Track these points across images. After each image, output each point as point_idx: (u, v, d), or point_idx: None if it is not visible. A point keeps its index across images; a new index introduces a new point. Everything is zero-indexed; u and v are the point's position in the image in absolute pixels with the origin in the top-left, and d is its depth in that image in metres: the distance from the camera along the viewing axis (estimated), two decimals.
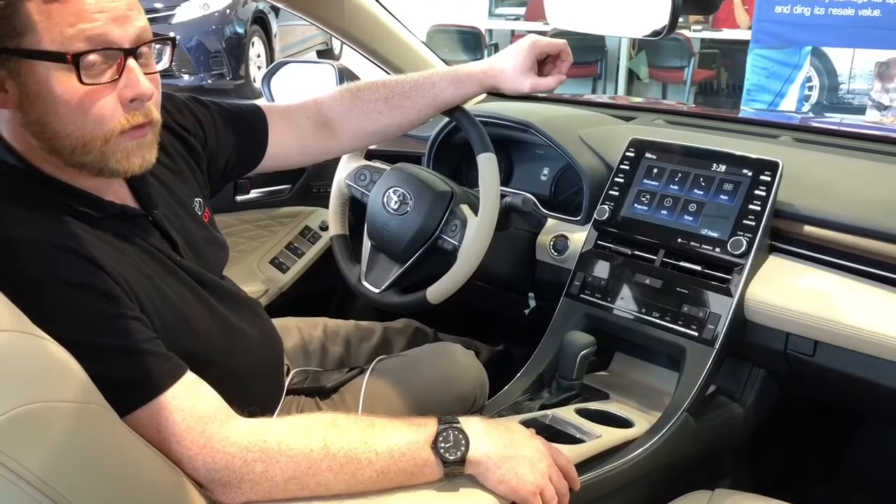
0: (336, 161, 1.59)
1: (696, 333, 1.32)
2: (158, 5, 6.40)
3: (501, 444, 0.93)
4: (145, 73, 0.90)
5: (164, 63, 0.97)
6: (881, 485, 1.68)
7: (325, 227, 2.06)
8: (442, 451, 0.91)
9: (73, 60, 0.84)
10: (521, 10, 8.38)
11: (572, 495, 0.99)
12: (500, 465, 0.92)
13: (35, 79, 0.85)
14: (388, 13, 1.91)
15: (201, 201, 1.15)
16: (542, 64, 1.34)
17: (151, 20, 0.91)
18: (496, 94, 1.37)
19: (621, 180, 1.49)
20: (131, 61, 0.88)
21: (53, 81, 0.85)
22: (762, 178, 1.34)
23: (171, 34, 1.00)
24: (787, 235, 1.35)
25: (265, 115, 1.28)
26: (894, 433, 1.68)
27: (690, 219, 1.39)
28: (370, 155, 1.62)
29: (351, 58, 2.11)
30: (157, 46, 0.96)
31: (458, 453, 0.91)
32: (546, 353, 1.45)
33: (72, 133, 0.87)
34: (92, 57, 0.85)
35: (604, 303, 1.44)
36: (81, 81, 0.85)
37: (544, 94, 2.00)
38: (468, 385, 1.37)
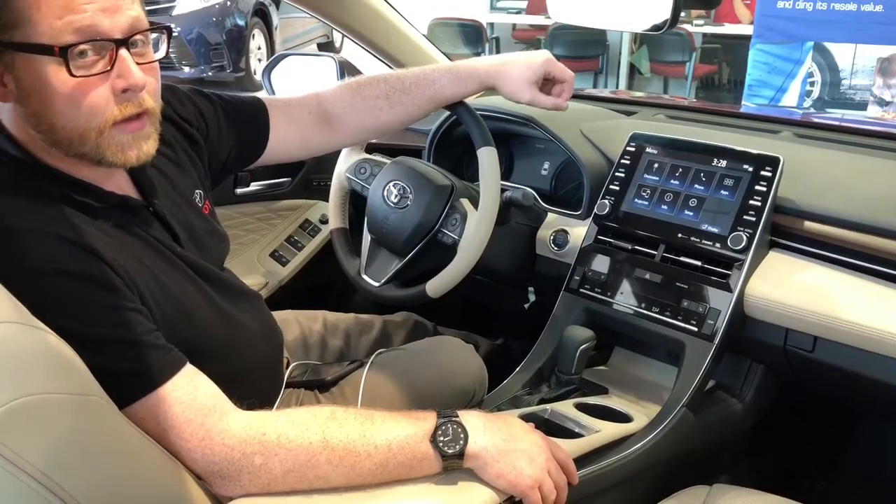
0: (336, 154, 1.59)
1: (695, 328, 1.32)
2: None
3: (500, 437, 0.94)
4: (142, 63, 0.90)
5: (162, 52, 0.97)
6: (880, 481, 1.68)
7: (325, 221, 2.06)
8: (441, 444, 0.91)
9: (62, 53, 0.83)
10: (523, 4, 8.35)
11: (571, 490, 0.99)
12: (498, 459, 0.92)
13: (30, 72, 0.85)
14: (389, 6, 1.90)
15: (202, 193, 1.15)
16: (546, 84, 1.33)
17: (152, 12, 0.91)
18: None
19: (622, 175, 1.49)
20: (123, 52, 0.87)
21: (47, 74, 0.84)
22: (763, 173, 1.34)
23: (168, 24, 0.99)
24: (788, 231, 1.35)
25: (266, 109, 1.28)
26: (894, 430, 1.68)
27: (691, 214, 1.39)
28: (370, 148, 1.62)
29: (352, 51, 2.11)
30: (155, 35, 0.95)
31: (457, 447, 0.91)
32: (545, 347, 1.45)
33: (67, 125, 0.87)
34: (81, 48, 0.84)
35: (604, 297, 1.44)
36: (71, 74, 0.84)
37: None
38: (467, 379, 1.37)
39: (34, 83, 0.85)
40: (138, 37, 0.89)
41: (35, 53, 0.84)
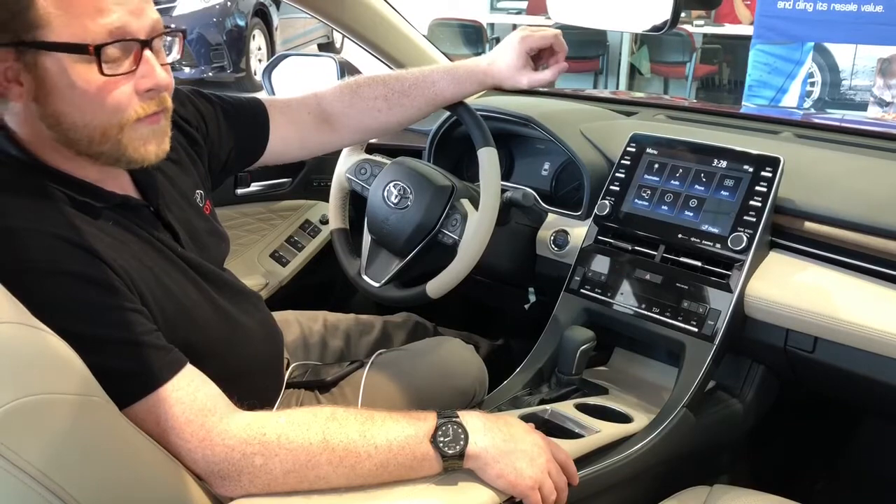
0: (336, 155, 1.59)
1: (695, 329, 1.32)
2: None
3: (500, 438, 0.94)
4: (161, 64, 0.92)
5: (175, 55, 1.00)
6: (880, 481, 1.68)
7: (325, 221, 2.06)
8: (441, 445, 0.91)
9: (96, 52, 0.85)
10: (523, 4, 8.36)
11: (571, 490, 0.99)
12: (498, 460, 0.92)
13: (53, 71, 0.85)
14: (389, 6, 1.90)
15: (202, 193, 1.16)
16: (539, 57, 1.34)
17: None
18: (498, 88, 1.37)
19: (622, 175, 1.49)
20: (147, 52, 0.89)
21: (72, 73, 0.85)
22: (763, 173, 1.34)
23: (181, 27, 1.01)
24: (788, 231, 1.35)
25: (266, 110, 1.29)
26: (894, 430, 1.68)
27: (691, 214, 1.39)
28: (371, 149, 1.62)
29: (352, 51, 2.11)
30: (168, 39, 0.97)
31: (458, 447, 0.91)
32: (546, 347, 1.45)
33: (89, 123, 0.88)
34: (112, 48, 0.86)
35: (604, 298, 1.44)
36: (102, 73, 0.86)
37: (545, 89, 2.00)
38: (468, 379, 1.38)
39: (57, 82, 0.86)
40: (156, 39, 0.91)
41: (67, 52, 0.84)
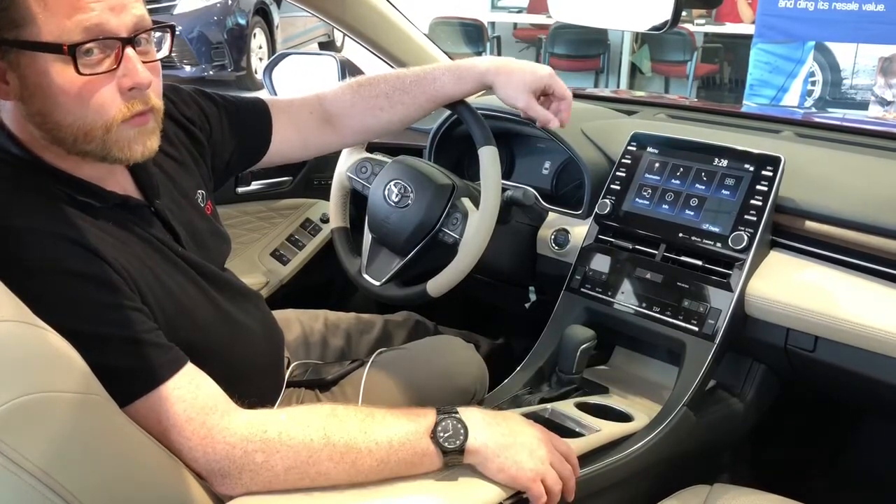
0: (337, 153, 1.59)
1: (696, 328, 1.32)
2: None
3: (500, 432, 0.94)
4: (145, 62, 0.90)
5: (165, 51, 0.97)
6: (880, 480, 1.68)
7: (326, 220, 2.06)
8: (441, 440, 0.91)
9: (70, 51, 0.84)
10: (524, 3, 8.36)
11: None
12: (498, 454, 0.92)
13: (34, 70, 0.85)
14: (390, 5, 1.90)
15: (204, 193, 1.15)
16: (543, 98, 1.32)
17: (153, 10, 0.91)
18: None
19: (623, 174, 1.49)
20: (129, 50, 0.88)
21: (52, 72, 0.85)
22: (764, 173, 1.34)
23: (171, 23, 0.99)
24: (789, 231, 1.35)
25: (269, 110, 1.28)
26: (894, 429, 1.68)
27: (692, 213, 1.39)
28: (371, 147, 1.62)
29: (353, 50, 2.11)
30: (158, 34, 0.96)
31: (457, 442, 0.91)
32: (546, 346, 1.45)
33: (73, 123, 0.87)
34: (89, 47, 0.85)
35: (604, 297, 1.44)
36: (79, 72, 0.85)
37: None
38: (468, 378, 1.38)
39: (40, 81, 0.85)
40: (142, 35, 0.90)
41: (42, 52, 0.84)
